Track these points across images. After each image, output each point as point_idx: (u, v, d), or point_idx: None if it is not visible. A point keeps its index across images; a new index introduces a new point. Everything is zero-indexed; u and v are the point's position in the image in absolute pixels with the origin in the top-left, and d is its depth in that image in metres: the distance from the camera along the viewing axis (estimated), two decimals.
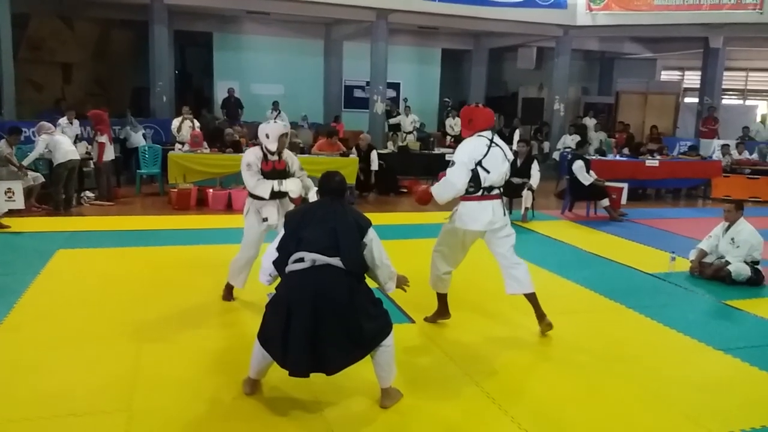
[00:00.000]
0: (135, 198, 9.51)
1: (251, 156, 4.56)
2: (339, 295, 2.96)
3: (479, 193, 3.95)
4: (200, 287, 5.06)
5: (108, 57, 13.90)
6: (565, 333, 4.36)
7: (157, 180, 10.18)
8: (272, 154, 4.59)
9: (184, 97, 14.78)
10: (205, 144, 9.81)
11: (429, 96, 16.95)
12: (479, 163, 3.88)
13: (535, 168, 8.58)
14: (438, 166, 8.72)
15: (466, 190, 3.92)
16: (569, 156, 9.81)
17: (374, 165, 10.36)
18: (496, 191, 4.00)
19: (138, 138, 10.87)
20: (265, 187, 4.52)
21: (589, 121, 15.79)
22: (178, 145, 10.36)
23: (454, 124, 14.84)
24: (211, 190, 8.87)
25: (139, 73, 14.38)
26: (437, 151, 11.87)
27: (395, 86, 16.63)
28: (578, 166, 8.84)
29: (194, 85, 17.63)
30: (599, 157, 11.34)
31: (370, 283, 3.23)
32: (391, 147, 12.69)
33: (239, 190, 8.89)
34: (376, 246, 3.15)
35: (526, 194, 8.42)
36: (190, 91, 17.03)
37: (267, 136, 4.54)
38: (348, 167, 9.61)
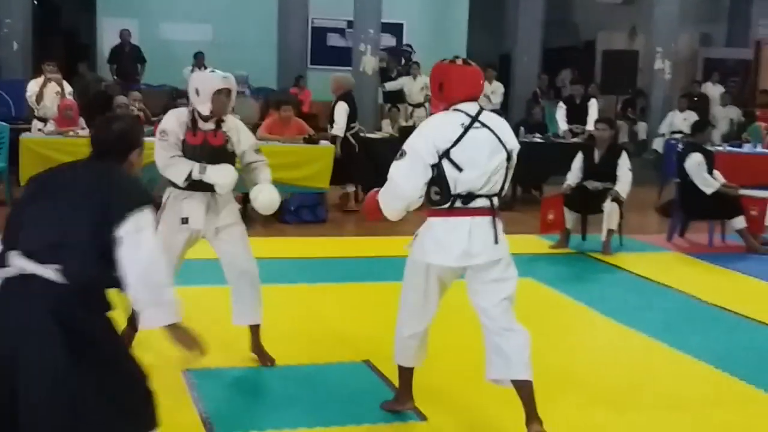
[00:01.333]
0: None
1: (171, 121, 4.79)
2: (45, 349, 2.75)
3: (447, 205, 3.88)
4: None
5: None
6: None
7: (2, 180, 10.16)
8: (205, 120, 4.73)
9: (47, 45, 14.78)
10: (82, 121, 9.82)
11: (450, 44, 16.98)
12: (446, 155, 3.83)
13: (623, 165, 8.59)
14: None
15: (431, 198, 3.89)
16: (680, 146, 9.84)
17: (336, 125, 10.10)
18: (481, 202, 3.91)
19: None
20: (178, 170, 4.72)
21: (713, 89, 15.88)
22: (37, 123, 10.33)
23: (491, 92, 14.88)
24: None
25: None
26: None
27: (396, 29, 16.71)
28: (695, 163, 8.85)
29: (64, 25, 17.63)
30: (730, 149, 11.37)
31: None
32: (388, 129, 12.72)
33: None
34: (143, 246, 2.90)
35: (610, 208, 8.44)
36: (58, 34, 17.03)
37: (197, 93, 4.72)
38: (319, 161, 9.60)
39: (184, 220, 4.79)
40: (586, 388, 4.87)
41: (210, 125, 4.78)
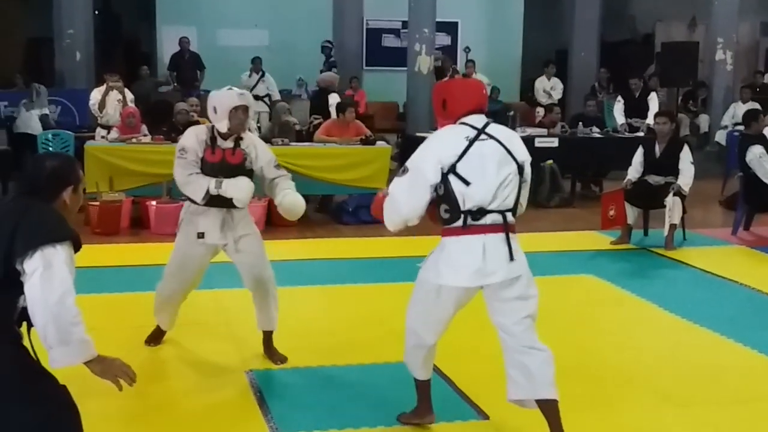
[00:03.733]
0: None
1: (190, 138, 4.89)
2: None
3: (459, 223, 3.81)
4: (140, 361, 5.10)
5: None
6: None
7: None
8: (224, 138, 4.83)
9: (109, 54, 15.04)
10: (144, 128, 9.93)
11: (506, 44, 16.95)
12: (452, 169, 3.76)
13: (685, 158, 8.51)
14: None
15: (441, 216, 3.83)
16: (742, 138, 9.68)
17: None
18: (493, 218, 3.81)
19: (34, 120, 11.08)
20: (196, 187, 4.82)
21: None
22: (100, 131, 10.50)
23: (550, 88, 14.77)
24: (154, 204, 8.99)
25: (37, 16, 14.68)
26: (520, 132, 11.85)
27: (451, 28, 16.68)
28: (756, 156, 8.73)
29: (125, 35, 17.92)
30: None
31: None
32: None
33: None
34: (53, 283, 2.86)
35: (673, 203, 8.35)
36: (119, 43, 17.32)
37: (215, 111, 4.82)
38: (376, 162, 9.65)
39: (200, 235, 4.89)
40: (652, 385, 4.84)
41: (229, 143, 4.86)
